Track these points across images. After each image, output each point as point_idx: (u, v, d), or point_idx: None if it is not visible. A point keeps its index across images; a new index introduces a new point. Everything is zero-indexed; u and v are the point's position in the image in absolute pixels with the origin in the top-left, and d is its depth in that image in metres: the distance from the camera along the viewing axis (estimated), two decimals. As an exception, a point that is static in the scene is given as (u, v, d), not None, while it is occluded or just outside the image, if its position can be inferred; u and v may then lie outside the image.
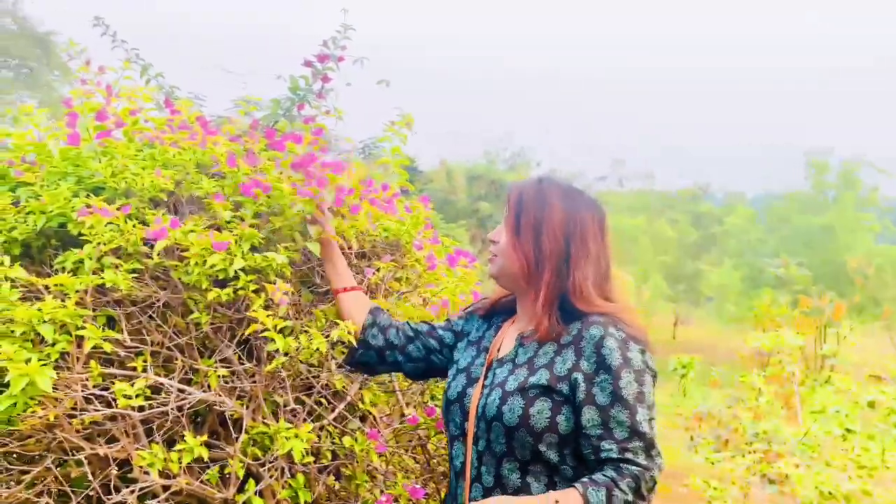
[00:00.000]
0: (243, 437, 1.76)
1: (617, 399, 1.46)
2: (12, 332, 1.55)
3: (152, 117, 2.08)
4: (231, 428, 1.82)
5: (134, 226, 1.72)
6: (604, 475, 1.43)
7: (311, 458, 1.87)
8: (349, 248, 2.05)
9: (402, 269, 2.19)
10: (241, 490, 1.78)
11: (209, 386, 1.76)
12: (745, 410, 4.55)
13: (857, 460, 3.69)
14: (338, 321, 1.79)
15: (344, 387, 1.97)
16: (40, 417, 1.57)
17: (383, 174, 2.46)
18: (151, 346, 1.77)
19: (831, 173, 20.04)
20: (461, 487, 1.61)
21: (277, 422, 1.79)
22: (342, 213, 1.98)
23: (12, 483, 1.67)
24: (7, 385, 1.50)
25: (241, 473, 1.77)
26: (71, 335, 1.61)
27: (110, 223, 1.70)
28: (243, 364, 1.83)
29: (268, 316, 1.67)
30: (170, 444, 1.73)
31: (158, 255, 1.71)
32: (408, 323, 1.84)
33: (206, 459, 1.70)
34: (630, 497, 1.41)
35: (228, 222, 1.79)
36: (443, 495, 2.02)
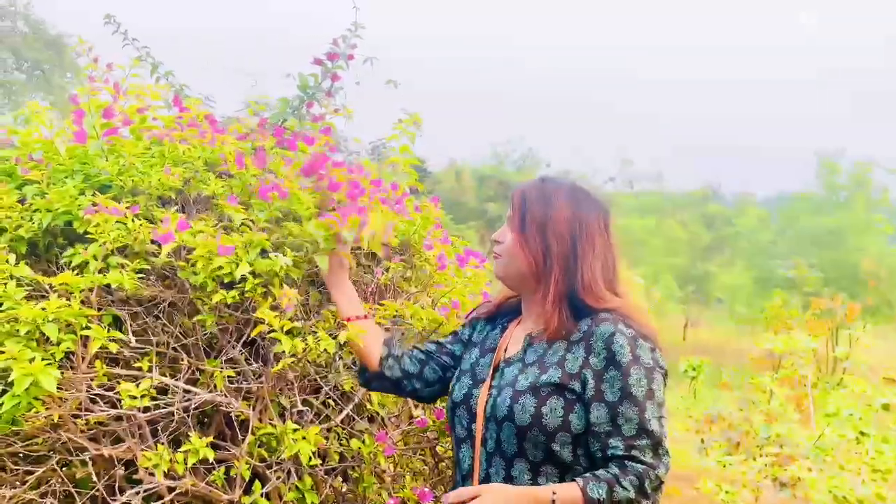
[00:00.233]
0: (250, 438, 1.74)
1: (626, 396, 1.45)
2: (17, 331, 1.53)
3: (161, 115, 2.07)
4: (237, 429, 1.80)
5: (141, 224, 1.71)
6: (607, 472, 1.42)
7: (319, 461, 1.85)
8: (359, 247, 2.03)
9: (412, 270, 2.17)
10: (247, 492, 1.76)
11: (215, 387, 1.74)
12: (756, 413, 4.51)
13: (872, 464, 3.65)
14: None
15: (352, 388, 1.95)
16: (45, 417, 1.55)
17: (392, 174, 2.44)
18: (157, 346, 1.76)
19: (843, 175, 19.91)
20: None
21: (284, 423, 1.77)
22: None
23: (17, 483, 1.66)
24: (11, 384, 1.48)
25: (248, 475, 1.75)
26: (76, 335, 1.59)
27: (117, 221, 1.69)
28: (250, 365, 1.81)
29: (275, 317, 1.65)
30: (175, 444, 1.71)
31: (166, 254, 1.69)
32: (416, 347, 1.81)
33: (211, 461, 1.69)
34: (632, 494, 1.40)
35: (241, 225, 1.76)
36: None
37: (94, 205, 1.69)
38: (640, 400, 1.44)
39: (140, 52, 2.69)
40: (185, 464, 1.64)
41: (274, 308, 1.67)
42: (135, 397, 1.60)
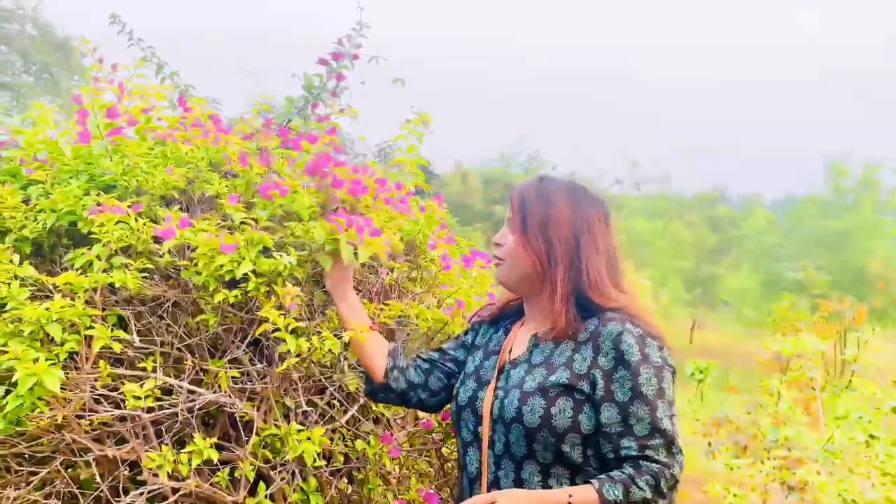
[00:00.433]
0: (254, 439, 1.73)
1: (636, 395, 1.43)
2: (21, 331, 1.53)
3: (165, 115, 2.06)
4: (241, 430, 1.79)
5: (144, 224, 1.70)
6: (622, 472, 1.41)
7: (323, 462, 1.84)
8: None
9: (417, 270, 2.16)
10: (251, 493, 1.76)
11: (219, 387, 1.74)
12: (764, 416, 4.48)
13: (881, 467, 3.62)
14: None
15: (357, 389, 1.94)
16: (49, 418, 1.55)
17: (399, 174, 2.43)
18: (161, 346, 1.75)
19: (850, 177, 19.84)
20: (478, 493, 1.57)
21: (289, 424, 1.76)
22: (360, 211, 1.95)
23: (21, 484, 1.65)
24: (15, 385, 1.48)
25: (252, 476, 1.74)
26: (80, 335, 1.59)
27: (120, 221, 1.68)
28: (254, 365, 1.81)
29: (279, 315, 1.64)
30: (179, 445, 1.70)
31: (169, 253, 1.68)
32: (419, 356, 1.79)
33: (216, 462, 1.68)
34: (649, 495, 1.39)
35: (242, 223, 1.76)
36: (457, 501, 1.98)
37: (99, 205, 1.69)
38: (650, 399, 1.43)
39: (145, 53, 2.69)
40: (190, 465, 1.63)
41: (278, 308, 1.66)
42: (139, 398, 1.59)
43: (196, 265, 1.66)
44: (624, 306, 1.53)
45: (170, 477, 1.63)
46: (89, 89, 1.90)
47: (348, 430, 1.97)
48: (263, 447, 1.78)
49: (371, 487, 1.96)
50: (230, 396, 1.73)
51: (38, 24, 19.08)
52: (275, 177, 1.87)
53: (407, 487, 2.03)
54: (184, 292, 1.76)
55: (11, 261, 1.63)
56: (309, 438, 1.72)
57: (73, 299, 1.59)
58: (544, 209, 1.57)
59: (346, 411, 1.96)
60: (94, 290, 1.64)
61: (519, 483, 1.50)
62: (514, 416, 1.50)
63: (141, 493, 1.63)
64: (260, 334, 1.74)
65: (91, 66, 2.08)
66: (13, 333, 1.53)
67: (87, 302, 1.61)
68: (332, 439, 1.91)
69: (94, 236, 1.69)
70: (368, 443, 1.92)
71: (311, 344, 1.66)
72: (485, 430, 1.55)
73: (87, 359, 1.61)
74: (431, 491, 1.98)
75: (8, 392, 1.50)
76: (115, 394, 1.63)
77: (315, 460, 1.73)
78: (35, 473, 1.64)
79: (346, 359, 1.89)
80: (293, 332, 1.65)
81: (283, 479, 1.79)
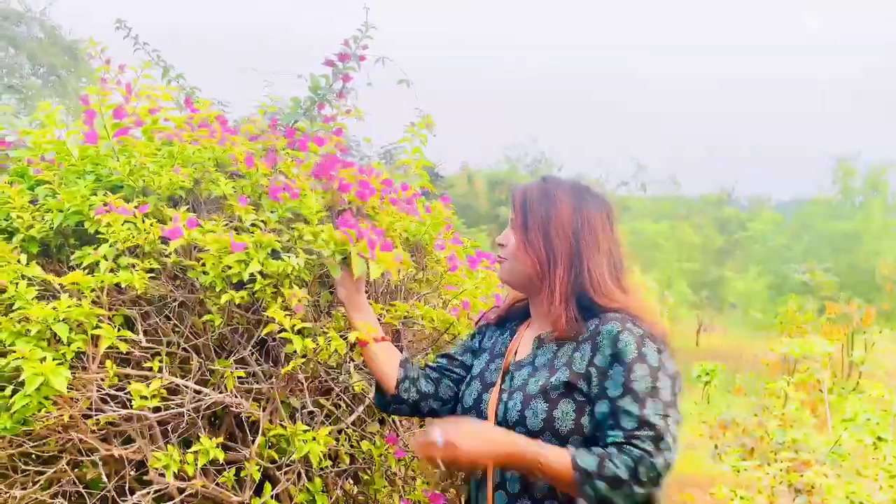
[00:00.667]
0: (260, 439, 1.73)
1: (627, 391, 1.40)
2: (28, 331, 1.53)
3: (172, 116, 2.07)
4: (247, 430, 1.79)
5: (151, 224, 1.70)
6: (602, 449, 1.38)
7: (329, 462, 1.84)
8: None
9: (422, 271, 2.16)
10: (257, 493, 1.76)
11: (226, 387, 1.74)
12: (771, 418, 4.46)
13: (889, 469, 3.60)
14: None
15: (362, 389, 1.94)
16: (56, 418, 1.55)
17: (404, 176, 2.43)
18: (168, 346, 1.75)
19: (858, 178, 19.77)
20: (483, 496, 1.56)
21: (294, 424, 1.76)
22: (367, 214, 1.96)
23: (28, 484, 1.66)
24: (22, 385, 1.48)
25: (258, 476, 1.74)
26: (87, 334, 1.59)
27: (127, 221, 1.69)
28: (261, 365, 1.81)
29: (285, 316, 1.64)
30: (186, 445, 1.71)
31: (176, 253, 1.68)
32: (428, 365, 1.78)
33: (221, 462, 1.68)
34: (623, 475, 1.33)
35: (252, 225, 1.76)
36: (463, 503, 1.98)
37: (105, 205, 1.69)
38: (640, 396, 1.40)
39: (151, 56, 2.70)
40: (196, 465, 1.64)
41: (284, 308, 1.66)
42: (145, 397, 1.60)
43: (203, 265, 1.66)
44: (626, 306, 1.51)
45: (176, 477, 1.63)
46: (97, 90, 1.90)
47: (354, 431, 1.97)
48: (269, 447, 1.78)
49: (377, 488, 1.96)
50: (236, 397, 1.73)
51: (46, 27, 19.16)
52: (281, 178, 1.88)
53: (412, 488, 2.03)
54: (190, 292, 1.77)
55: (19, 260, 1.64)
56: (315, 439, 1.72)
57: (79, 299, 1.59)
58: (546, 209, 1.56)
59: (351, 412, 1.96)
60: (101, 289, 1.64)
61: (525, 486, 1.49)
62: (516, 420, 1.49)
63: (147, 493, 1.64)
64: (266, 335, 1.74)
65: (98, 67, 2.08)
66: (20, 333, 1.54)
67: (93, 302, 1.61)
68: (337, 440, 1.91)
69: (101, 236, 1.69)
70: (374, 444, 1.91)
71: (317, 344, 1.66)
72: None
73: (93, 358, 1.61)
74: (437, 492, 1.98)
75: (15, 391, 1.51)
76: (121, 393, 1.64)
77: (321, 461, 1.72)
78: (42, 473, 1.65)
79: (352, 359, 1.89)
80: (299, 332, 1.65)
81: (288, 479, 1.79)
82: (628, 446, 1.37)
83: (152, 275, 1.71)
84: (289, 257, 1.66)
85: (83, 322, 1.58)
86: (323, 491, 1.85)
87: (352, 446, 1.96)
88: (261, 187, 1.88)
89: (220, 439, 1.69)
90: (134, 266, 1.67)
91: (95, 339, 1.61)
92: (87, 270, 1.67)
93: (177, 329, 1.77)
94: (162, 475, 1.63)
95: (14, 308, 1.55)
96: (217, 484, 1.72)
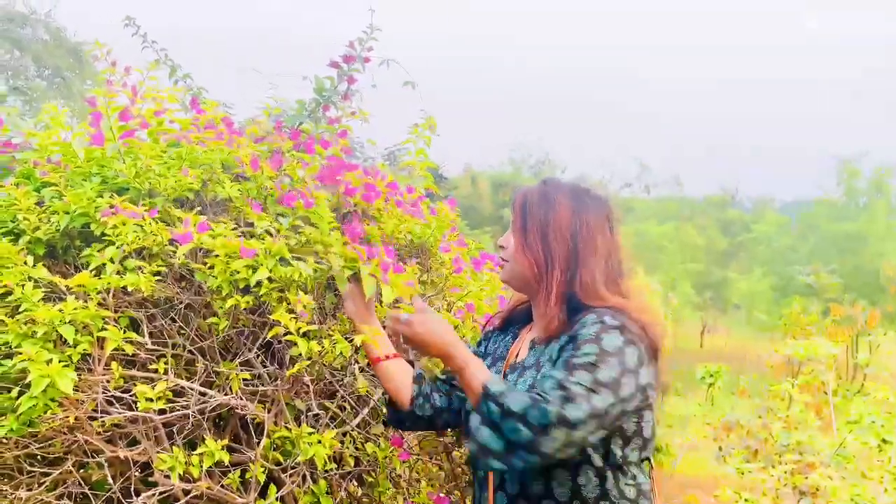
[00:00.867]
0: (265, 441, 1.74)
1: (564, 364, 1.40)
2: (34, 332, 1.53)
3: (178, 118, 2.07)
4: (252, 432, 1.79)
5: (157, 225, 1.70)
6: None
7: (334, 465, 1.84)
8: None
9: (427, 273, 2.16)
10: (262, 495, 1.76)
11: (231, 389, 1.74)
12: (775, 420, 4.45)
13: (894, 472, 3.59)
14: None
15: (367, 391, 1.94)
16: (61, 419, 1.55)
17: (408, 177, 2.43)
18: (173, 348, 1.76)
19: (863, 179, 19.72)
20: (485, 498, 1.57)
21: (299, 426, 1.76)
22: (372, 216, 1.96)
23: (34, 485, 1.66)
24: (28, 386, 1.49)
25: (263, 478, 1.74)
26: (92, 336, 1.59)
27: (134, 224, 1.69)
28: (266, 368, 1.81)
29: (291, 319, 1.64)
30: (191, 447, 1.71)
31: (183, 255, 1.69)
32: (438, 378, 1.78)
33: (227, 463, 1.68)
34: (515, 408, 1.34)
35: (266, 231, 1.75)
36: (467, 504, 1.98)
37: (112, 207, 1.69)
38: (572, 365, 1.38)
39: (159, 55, 2.70)
40: (201, 466, 1.64)
41: (291, 310, 1.66)
42: (151, 399, 1.60)
43: (211, 269, 1.66)
44: (615, 305, 1.49)
45: (181, 478, 1.64)
46: (103, 92, 1.91)
47: (359, 433, 1.97)
48: (274, 449, 1.78)
49: (381, 490, 1.96)
50: (241, 399, 1.73)
51: (51, 29, 19.21)
52: (287, 180, 1.88)
53: (417, 491, 2.03)
54: (196, 295, 1.77)
55: (25, 262, 1.64)
56: (320, 441, 1.72)
57: (85, 301, 1.60)
58: (545, 212, 1.56)
59: (356, 414, 1.96)
60: (107, 291, 1.64)
61: (523, 486, 1.49)
62: None
63: (152, 495, 1.64)
64: (272, 337, 1.74)
65: (104, 69, 2.08)
66: (27, 335, 1.54)
67: (99, 304, 1.62)
68: (342, 442, 1.91)
69: (107, 238, 1.69)
70: (379, 446, 1.91)
71: (323, 347, 1.66)
72: None
73: (99, 360, 1.62)
74: (441, 494, 1.98)
75: (21, 393, 1.51)
76: (127, 395, 1.64)
77: (326, 463, 1.73)
78: (47, 474, 1.65)
79: (356, 362, 1.89)
80: (304, 335, 1.65)
81: (293, 481, 1.79)
82: (537, 394, 1.36)
83: (158, 277, 1.71)
84: (297, 263, 1.66)
85: (89, 324, 1.58)
86: (327, 493, 1.85)
87: (357, 448, 1.96)
88: (266, 190, 1.88)
89: (226, 441, 1.70)
90: (141, 268, 1.67)
91: (101, 341, 1.61)
92: (93, 272, 1.67)
93: (182, 331, 1.78)
94: (167, 477, 1.63)
95: (20, 310, 1.56)
96: (222, 486, 1.72)
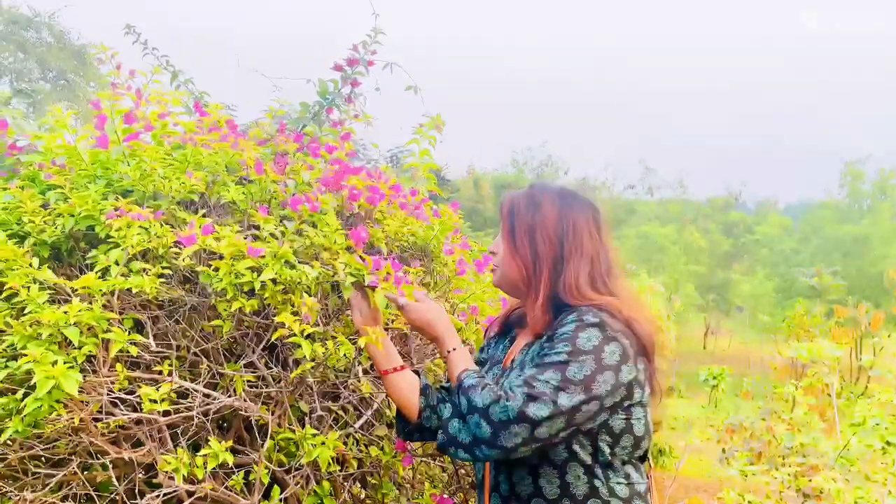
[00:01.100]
0: (269, 443, 1.74)
1: (537, 363, 1.43)
2: (39, 334, 1.54)
3: (182, 121, 2.08)
4: (256, 433, 1.80)
5: (162, 227, 1.71)
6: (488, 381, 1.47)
7: (337, 467, 1.84)
8: (378, 253, 2.02)
9: (431, 275, 2.16)
10: (265, 497, 1.76)
11: (235, 391, 1.74)
12: (779, 422, 4.45)
13: (899, 474, 3.58)
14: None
15: (371, 394, 1.94)
16: (66, 421, 1.56)
17: (411, 179, 2.44)
18: (177, 350, 1.76)
19: (867, 182, 19.70)
20: (482, 499, 1.59)
21: (303, 428, 1.76)
22: (376, 219, 1.96)
23: (38, 486, 1.67)
24: (34, 388, 1.49)
25: (266, 480, 1.74)
26: (97, 338, 1.60)
27: (139, 226, 1.69)
28: (270, 369, 1.81)
29: (295, 321, 1.64)
30: (195, 448, 1.71)
31: (189, 257, 1.69)
32: (443, 386, 1.78)
33: (230, 465, 1.68)
34: (478, 403, 1.41)
35: (271, 235, 1.76)
36: (471, 505, 1.98)
37: (116, 209, 1.70)
38: (543, 364, 1.41)
39: (160, 61, 2.71)
40: (205, 468, 1.64)
41: (295, 313, 1.67)
42: (155, 401, 1.60)
43: (216, 271, 1.67)
44: (599, 303, 1.49)
45: (185, 480, 1.64)
46: (107, 95, 1.91)
47: (362, 435, 1.98)
48: (278, 451, 1.79)
49: (385, 492, 1.96)
50: (245, 400, 1.74)
51: (55, 31, 19.27)
52: (291, 183, 1.88)
53: (420, 492, 2.03)
54: (201, 297, 1.77)
55: (30, 264, 1.64)
56: (323, 443, 1.72)
57: (90, 303, 1.60)
58: (532, 215, 1.58)
59: (360, 416, 1.96)
60: (112, 293, 1.65)
61: (513, 486, 1.50)
62: None
63: (156, 496, 1.64)
64: (276, 339, 1.75)
65: (109, 72, 2.09)
66: (32, 336, 1.54)
67: (104, 305, 1.62)
68: (345, 443, 1.91)
69: (112, 240, 1.70)
70: (382, 449, 1.92)
71: (326, 349, 1.66)
72: None
73: (104, 362, 1.62)
74: (445, 496, 1.98)
75: (26, 395, 1.51)
76: (131, 397, 1.64)
77: (329, 465, 1.73)
78: (52, 475, 1.66)
79: (360, 363, 1.89)
80: (308, 337, 1.65)
81: (297, 483, 1.79)
82: (503, 390, 1.41)
83: (163, 279, 1.71)
84: (302, 267, 1.67)
85: (94, 326, 1.59)
86: (331, 495, 1.86)
87: (360, 451, 1.96)
88: (269, 192, 1.89)
89: (230, 443, 1.70)
90: (145, 271, 1.68)
91: (106, 343, 1.62)
92: (98, 274, 1.68)
93: (187, 333, 1.78)
94: (171, 478, 1.63)
95: (26, 311, 1.56)
96: (226, 487, 1.73)
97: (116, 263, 1.68)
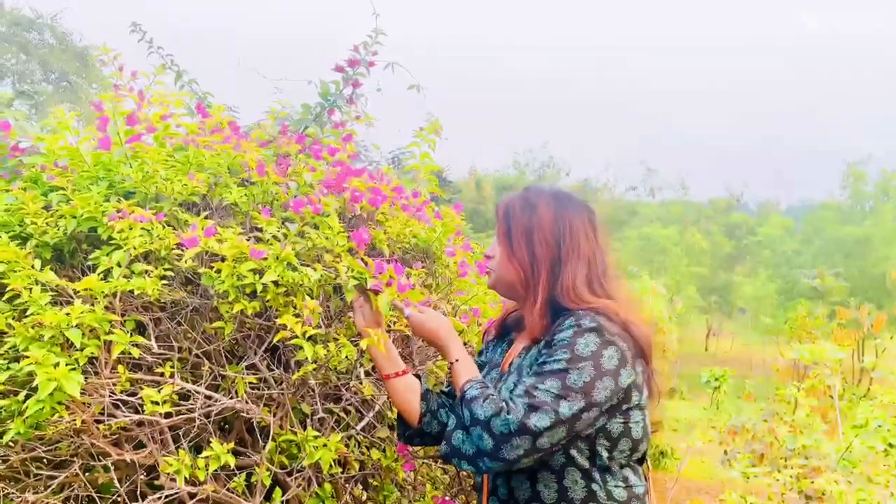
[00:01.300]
0: (270, 445, 1.74)
1: (535, 371, 1.43)
2: (41, 336, 1.54)
3: (184, 122, 2.08)
4: (258, 435, 1.80)
5: (164, 229, 1.71)
6: (491, 392, 1.46)
7: (339, 469, 1.84)
8: (380, 255, 2.03)
9: (433, 277, 2.16)
10: (267, 498, 1.76)
11: (236, 393, 1.74)
12: (781, 424, 4.44)
13: (901, 477, 3.57)
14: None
15: (373, 396, 1.94)
16: (68, 422, 1.56)
17: (413, 181, 2.44)
18: (179, 351, 1.76)
19: (869, 182, 19.68)
20: (481, 503, 1.59)
21: (305, 430, 1.76)
22: (378, 221, 1.96)
23: (40, 488, 1.67)
24: (35, 389, 1.49)
25: (268, 482, 1.74)
26: (99, 340, 1.60)
27: (141, 227, 1.69)
28: (272, 371, 1.81)
29: (297, 323, 1.64)
30: (197, 450, 1.71)
31: (191, 259, 1.69)
32: (442, 392, 1.79)
33: (232, 467, 1.68)
34: (480, 416, 1.40)
35: (273, 237, 1.76)
36: (472, 507, 1.98)
37: (119, 211, 1.70)
38: (543, 372, 1.41)
39: (164, 60, 2.71)
40: (206, 470, 1.64)
41: (297, 315, 1.67)
42: (157, 403, 1.60)
43: (218, 273, 1.66)
44: (595, 307, 1.49)
45: (187, 482, 1.64)
46: (109, 97, 1.91)
47: (364, 437, 1.98)
48: (280, 453, 1.79)
49: (386, 494, 1.96)
50: (247, 402, 1.74)
51: (57, 33, 19.30)
52: (293, 185, 1.88)
53: (422, 494, 2.03)
54: (203, 298, 1.77)
55: (32, 266, 1.64)
56: (325, 445, 1.72)
57: (92, 305, 1.60)
58: (528, 218, 1.57)
59: (361, 418, 1.96)
60: (114, 295, 1.65)
61: (511, 491, 1.50)
62: None
63: (158, 498, 1.64)
64: (277, 341, 1.75)
65: (111, 73, 2.09)
66: (34, 338, 1.54)
67: (106, 307, 1.62)
68: (347, 445, 1.91)
69: (114, 242, 1.70)
70: (384, 451, 1.91)
71: (328, 351, 1.66)
72: None
73: (106, 364, 1.62)
74: (446, 498, 1.98)
75: (28, 396, 1.52)
76: (133, 399, 1.65)
77: (331, 467, 1.73)
78: (54, 477, 1.66)
79: (361, 365, 1.89)
80: (310, 339, 1.65)
81: (298, 485, 1.79)
82: (504, 402, 1.41)
83: (165, 281, 1.71)
84: (304, 269, 1.67)
85: (96, 327, 1.59)
86: (332, 496, 1.86)
87: (362, 453, 1.96)
88: (271, 194, 1.89)
89: (231, 445, 1.70)
90: (148, 272, 1.68)
91: (108, 345, 1.62)
92: (100, 276, 1.68)
93: (188, 335, 1.78)
94: (173, 480, 1.63)
95: (28, 313, 1.56)
96: (228, 489, 1.73)
97: (118, 265, 1.68)
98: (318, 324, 1.74)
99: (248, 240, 1.70)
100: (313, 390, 1.82)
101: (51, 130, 2.05)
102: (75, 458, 1.66)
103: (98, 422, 1.62)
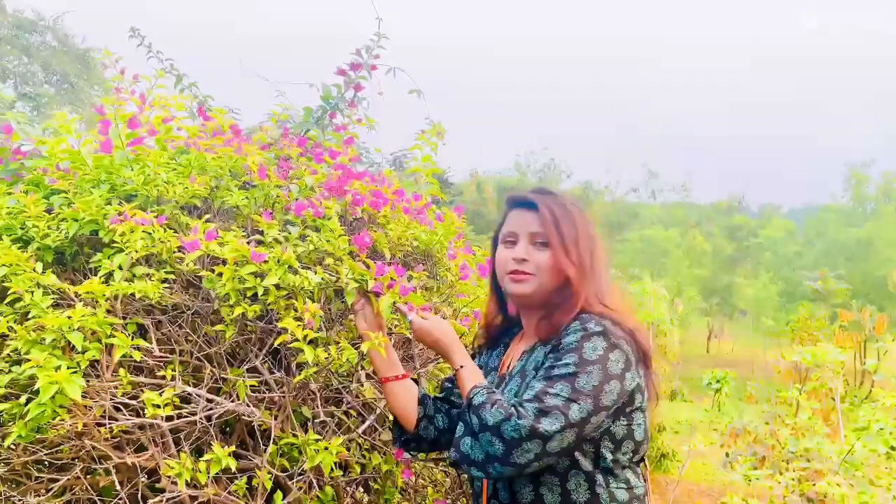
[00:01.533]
0: (271, 448, 1.74)
1: (544, 375, 1.43)
2: (43, 339, 1.54)
3: (185, 125, 2.08)
4: (259, 438, 1.80)
5: (165, 232, 1.71)
6: (499, 396, 1.45)
7: (340, 472, 1.84)
8: (381, 258, 2.03)
9: (434, 280, 2.16)
10: (268, 501, 1.76)
11: (237, 396, 1.74)
12: (783, 426, 4.44)
13: (903, 479, 3.57)
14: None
15: (374, 398, 1.94)
16: (70, 425, 1.56)
17: (414, 184, 2.44)
18: (180, 355, 1.76)
19: (871, 185, 19.68)
20: None
21: (306, 433, 1.76)
22: (379, 223, 1.96)
23: (42, 491, 1.67)
24: (37, 393, 1.49)
25: (269, 485, 1.74)
26: (101, 343, 1.60)
27: (143, 231, 1.70)
28: (273, 374, 1.81)
29: (297, 326, 1.64)
30: (198, 453, 1.71)
31: (192, 263, 1.69)
32: (437, 397, 1.78)
33: (233, 470, 1.68)
34: (489, 422, 1.39)
35: (275, 240, 1.76)
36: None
37: (120, 214, 1.70)
38: (553, 376, 1.41)
39: (164, 65, 2.71)
40: (208, 473, 1.64)
41: (298, 318, 1.67)
42: (158, 406, 1.60)
43: (220, 276, 1.67)
44: (600, 311, 1.50)
45: (188, 485, 1.64)
46: (111, 100, 1.92)
47: (365, 440, 1.98)
48: (281, 456, 1.79)
49: (387, 497, 1.96)
50: (248, 405, 1.74)
51: (59, 35, 19.34)
52: (294, 187, 1.89)
53: (423, 497, 2.03)
54: (204, 301, 1.77)
55: (34, 269, 1.65)
56: (326, 448, 1.72)
57: (94, 308, 1.60)
58: (572, 223, 1.57)
59: (363, 421, 1.96)
60: (116, 298, 1.65)
61: (514, 494, 1.50)
62: None
63: (160, 501, 1.64)
64: (278, 344, 1.75)
65: (114, 76, 2.10)
66: (35, 341, 1.55)
67: (108, 310, 1.62)
68: (348, 448, 1.91)
69: (115, 245, 1.70)
70: (385, 455, 1.91)
71: (329, 354, 1.66)
72: None
73: (107, 367, 1.62)
74: (447, 501, 1.98)
75: (30, 399, 1.52)
76: (134, 402, 1.65)
77: (332, 470, 1.73)
78: (55, 480, 1.66)
79: (363, 368, 1.89)
80: (311, 342, 1.65)
81: (300, 488, 1.79)
82: (513, 406, 1.40)
83: (166, 284, 1.72)
84: (305, 272, 1.67)
85: (97, 331, 1.59)
86: (334, 500, 1.86)
87: (363, 456, 1.96)
88: (273, 197, 1.89)
89: (232, 448, 1.70)
90: (149, 275, 1.68)
91: (109, 348, 1.62)
92: (102, 279, 1.68)
93: (190, 338, 1.78)
94: (174, 483, 1.63)
95: (29, 316, 1.57)
96: (229, 492, 1.73)
97: (120, 268, 1.68)
98: (319, 327, 1.74)
99: (249, 243, 1.70)
100: (314, 393, 1.82)
101: (53, 133, 2.06)
102: (77, 461, 1.66)
103: (99, 425, 1.62)
